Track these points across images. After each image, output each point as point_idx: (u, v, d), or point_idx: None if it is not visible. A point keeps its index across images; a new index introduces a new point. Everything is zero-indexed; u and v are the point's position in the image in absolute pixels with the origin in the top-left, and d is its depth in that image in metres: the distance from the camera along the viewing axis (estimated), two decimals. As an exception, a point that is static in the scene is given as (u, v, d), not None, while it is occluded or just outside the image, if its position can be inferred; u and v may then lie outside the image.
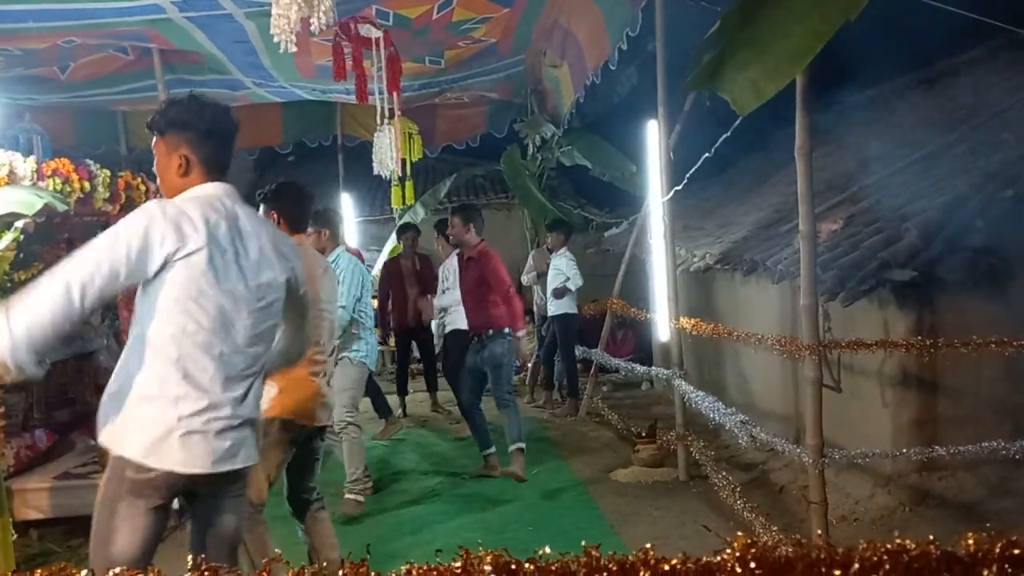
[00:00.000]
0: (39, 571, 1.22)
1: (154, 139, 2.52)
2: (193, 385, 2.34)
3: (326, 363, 3.76)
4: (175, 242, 2.28)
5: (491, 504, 5.42)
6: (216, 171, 2.50)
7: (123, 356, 2.40)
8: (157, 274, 2.29)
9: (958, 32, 6.98)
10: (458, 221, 5.95)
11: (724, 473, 5.06)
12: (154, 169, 2.56)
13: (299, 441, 3.64)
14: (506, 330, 5.88)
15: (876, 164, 6.24)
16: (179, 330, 2.33)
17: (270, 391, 3.43)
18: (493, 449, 5.96)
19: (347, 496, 5.26)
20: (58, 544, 4.68)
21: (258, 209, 3.75)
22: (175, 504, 2.52)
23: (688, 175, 5.59)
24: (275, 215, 3.67)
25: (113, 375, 2.41)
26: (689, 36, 6.17)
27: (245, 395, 2.47)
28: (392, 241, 9.62)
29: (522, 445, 5.87)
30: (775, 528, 4.25)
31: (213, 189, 2.46)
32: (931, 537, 1.07)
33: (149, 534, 2.35)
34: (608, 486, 5.72)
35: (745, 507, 4.56)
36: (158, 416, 2.32)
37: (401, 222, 9.09)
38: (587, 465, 6.27)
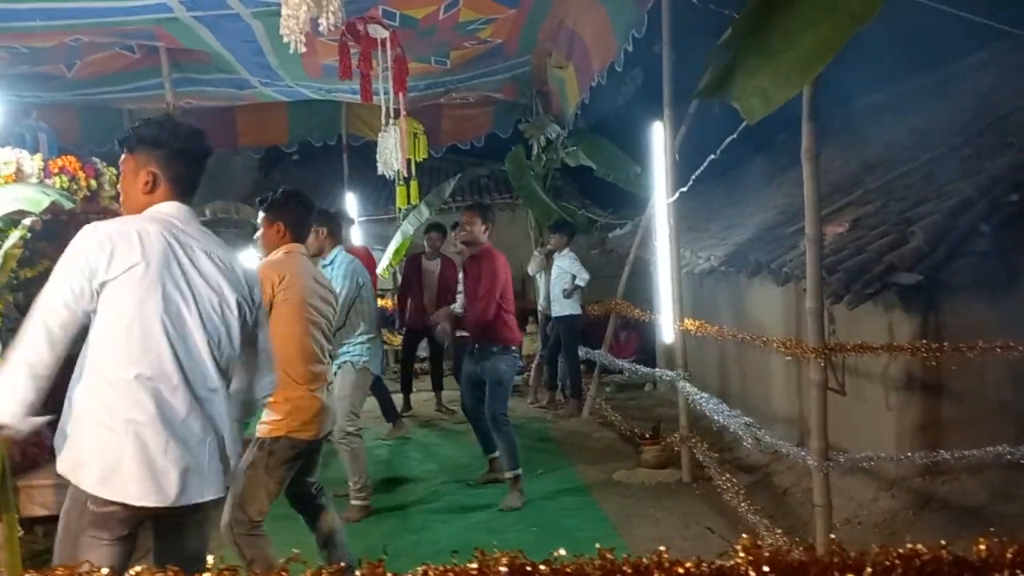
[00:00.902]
0: (59, 570, 1.23)
1: (123, 156, 2.52)
2: (144, 411, 2.27)
3: (325, 374, 3.73)
4: (107, 262, 2.26)
5: (494, 505, 5.41)
6: (181, 192, 2.48)
7: (73, 378, 2.35)
8: (101, 295, 2.28)
9: (964, 36, 6.98)
10: (477, 218, 5.54)
11: (728, 475, 5.06)
12: (118, 187, 2.57)
13: (304, 452, 3.61)
14: (512, 348, 5.56)
15: (882, 167, 6.25)
16: (123, 353, 2.28)
17: (273, 415, 3.47)
18: (498, 453, 5.70)
19: (352, 503, 5.23)
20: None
21: (259, 216, 3.76)
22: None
23: (693, 177, 5.59)
24: (280, 225, 3.66)
25: (66, 398, 2.37)
26: (695, 38, 6.18)
27: (207, 421, 2.39)
28: (396, 241, 9.64)
29: (518, 472, 5.44)
30: (779, 531, 4.25)
31: (168, 209, 2.45)
32: (943, 542, 1.07)
33: (115, 564, 2.26)
34: (611, 487, 5.72)
35: (749, 509, 4.55)
36: (111, 444, 2.26)
37: (429, 222, 9.12)
38: (590, 466, 6.27)
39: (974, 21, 5.34)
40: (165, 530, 2.49)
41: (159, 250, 2.33)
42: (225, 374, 2.50)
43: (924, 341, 4.26)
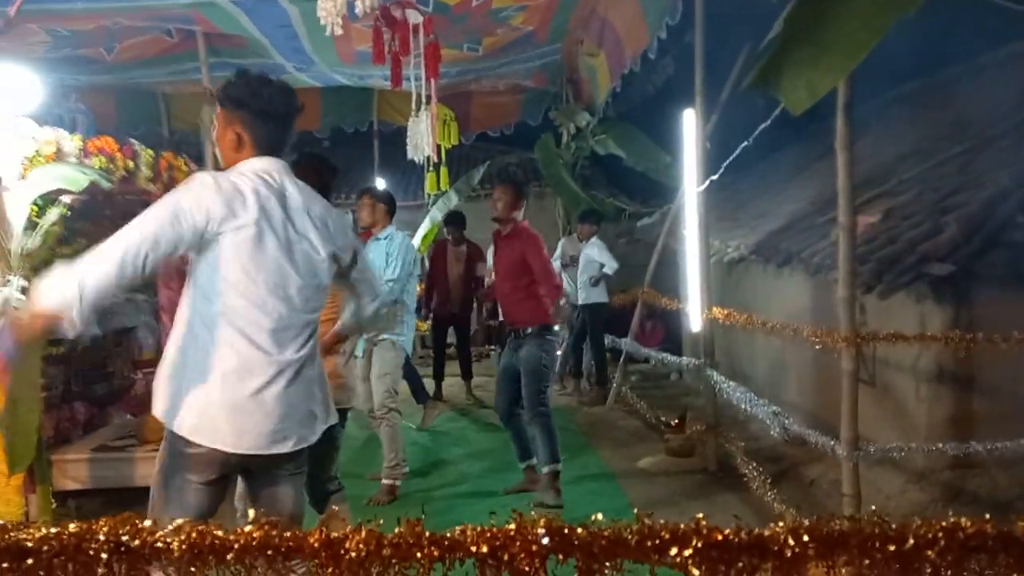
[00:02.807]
0: (103, 520, 1.27)
1: (216, 108, 2.56)
2: (241, 361, 2.34)
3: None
4: (225, 215, 2.30)
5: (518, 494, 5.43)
6: (268, 150, 2.51)
7: (174, 330, 2.41)
8: (208, 246, 2.32)
9: (1002, 24, 6.87)
10: (510, 194, 5.06)
11: (754, 464, 5.05)
12: (213, 136, 2.61)
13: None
14: (553, 327, 5.15)
15: (916, 157, 6.18)
16: (227, 304, 2.34)
17: None
18: (535, 460, 5.16)
19: (384, 481, 5.29)
20: (95, 514, 4.77)
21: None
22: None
23: (724, 165, 5.57)
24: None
25: (166, 348, 2.44)
26: (727, 26, 6.16)
27: (298, 370, 2.44)
28: (425, 227, 9.69)
29: (557, 468, 5.02)
30: (805, 521, 4.23)
31: (264, 164, 2.47)
32: (987, 516, 1.07)
33: (203, 509, 2.37)
34: (636, 475, 5.73)
35: (775, 499, 4.55)
36: (207, 392, 2.32)
37: (448, 211, 9.16)
38: (615, 453, 6.29)
39: (1013, 9, 5.25)
40: (259, 481, 2.55)
41: (266, 204, 2.38)
42: (316, 320, 2.56)
43: (957, 332, 4.22)
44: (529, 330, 5.03)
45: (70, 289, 2.13)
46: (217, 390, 2.32)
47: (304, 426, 2.47)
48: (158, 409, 2.40)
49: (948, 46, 8.52)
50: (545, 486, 5.00)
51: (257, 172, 2.44)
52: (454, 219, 8.66)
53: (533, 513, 1.19)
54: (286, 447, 2.42)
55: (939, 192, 5.20)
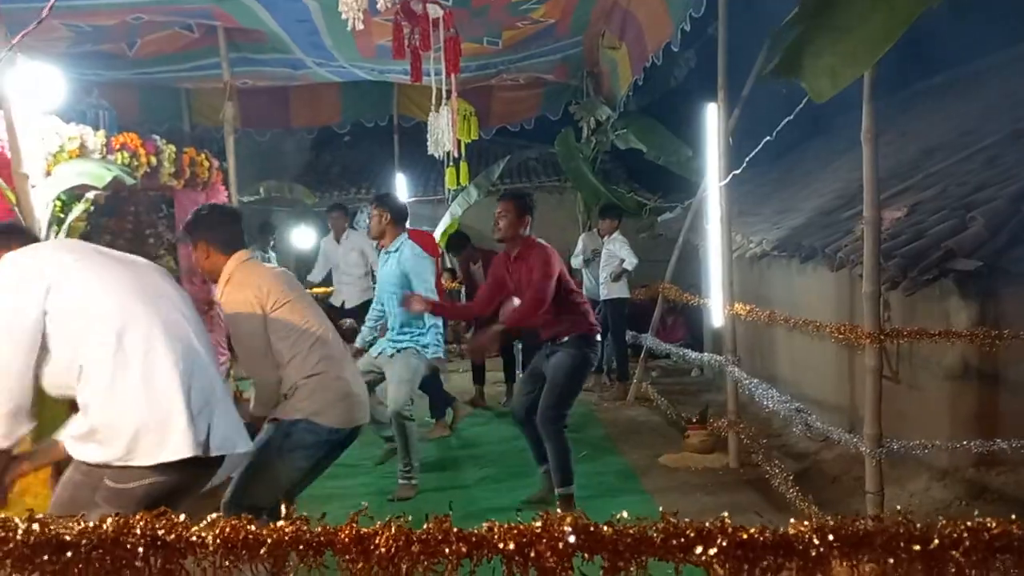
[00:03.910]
0: (139, 515, 1.28)
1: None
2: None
3: (350, 359, 3.60)
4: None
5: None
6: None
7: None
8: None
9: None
10: (512, 209, 4.74)
11: (776, 461, 5.03)
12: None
13: (326, 443, 3.33)
14: (592, 337, 4.83)
15: (942, 151, 6.11)
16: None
17: (298, 396, 3.28)
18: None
19: (400, 482, 5.25)
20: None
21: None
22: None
23: (747, 159, 5.53)
24: (203, 244, 3.34)
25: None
26: (751, 18, 6.11)
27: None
28: (445, 222, 9.70)
29: (570, 491, 4.71)
30: (829, 518, 4.21)
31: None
32: (1012, 516, 1.06)
33: None
34: (657, 471, 5.72)
35: (798, 496, 4.52)
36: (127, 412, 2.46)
37: (447, 238, 8.93)
38: (636, 449, 6.27)
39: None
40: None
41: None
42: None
43: (983, 328, 4.17)
44: (565, 339, 4.75)
45: None
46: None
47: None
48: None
49: (976, 38, 8.42)
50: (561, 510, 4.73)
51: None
52: (456, 243, 8.52)
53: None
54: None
55: (965, 187, 5.14)
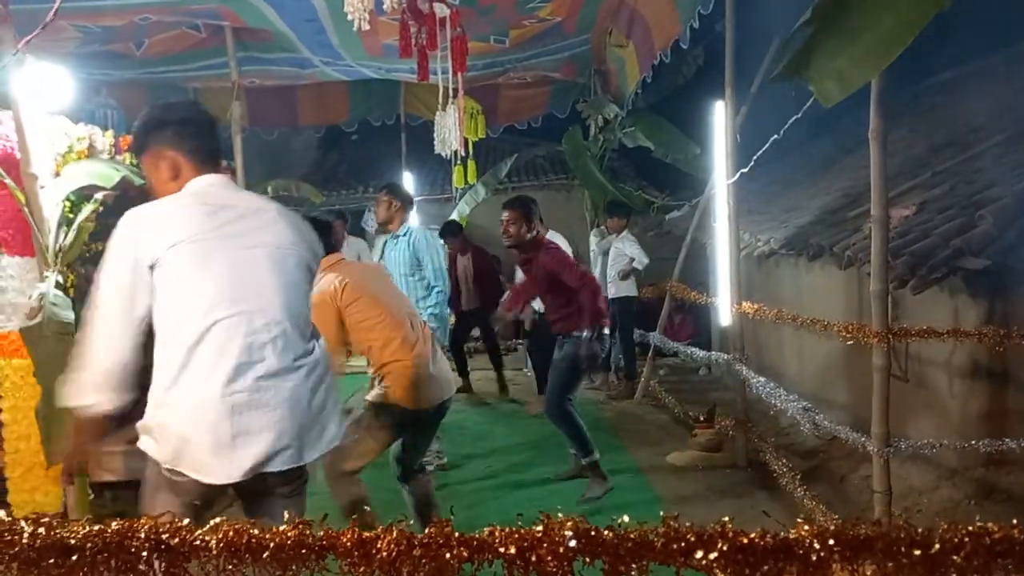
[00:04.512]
0: (144, 518, 1.29)
1: (141, 160, 2.49)
2: (205, 387, 2.23)
3: (425, 345, 3.73)
4: (155, 244, 2.24)
5: (547, 483, 5.46)
6: (206, 164, 2.44)
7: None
8: (153, 279, 2.26)
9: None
10: (519, 217, 5.06)
11: (783, 460, 5.02)
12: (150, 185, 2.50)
13: (407, 423, 3.73)
14: (582, 334, 5.02)
15: (950, 149, 6.08)
16: (176, 334, 2.29)
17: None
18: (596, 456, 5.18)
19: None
20: (131, 505, 4.84)
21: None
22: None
23: (755, 157, 5.52)
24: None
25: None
26: (758, 16, 6.08)
27: (281, 390, 2.29)
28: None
29: (594, 459, 5.13)
30: (836, 517, 4.20)
31: (204, 182, 2.42)
32: (1015, 520, 1.06)
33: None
34: (664, 469, 5.72)
35: (805, 495, 4.51)
36: (175, 420, 2.25)
37: (445, 223, 9.02)
38: (643, 447, 6.27)
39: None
40: (250, 504, 2.43)
41: (206, 219, 2.35)
42: (303, 333, 2.41)
43: (992, 327, 4.15)
44: (574, 333, 5.07)
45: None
46: (180, 418, 2.29)
47: (292, 444, 2.32)
48: (141, 442, 2.39)
49: (984, 35, 8.37)
50: (590, 481, 5.16)
51: (196, 192, 2.39)
52: (449, 229, 8.55)
53: (560, 515, 1.19)
54: (267, 467, 2.29)
55: (974, 185, 5.12)
